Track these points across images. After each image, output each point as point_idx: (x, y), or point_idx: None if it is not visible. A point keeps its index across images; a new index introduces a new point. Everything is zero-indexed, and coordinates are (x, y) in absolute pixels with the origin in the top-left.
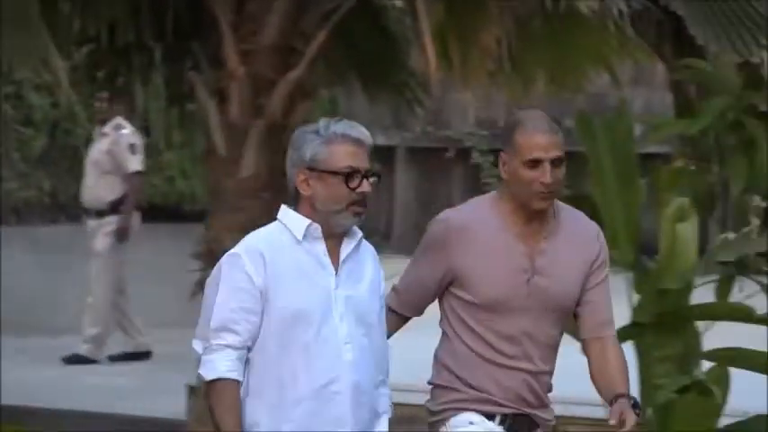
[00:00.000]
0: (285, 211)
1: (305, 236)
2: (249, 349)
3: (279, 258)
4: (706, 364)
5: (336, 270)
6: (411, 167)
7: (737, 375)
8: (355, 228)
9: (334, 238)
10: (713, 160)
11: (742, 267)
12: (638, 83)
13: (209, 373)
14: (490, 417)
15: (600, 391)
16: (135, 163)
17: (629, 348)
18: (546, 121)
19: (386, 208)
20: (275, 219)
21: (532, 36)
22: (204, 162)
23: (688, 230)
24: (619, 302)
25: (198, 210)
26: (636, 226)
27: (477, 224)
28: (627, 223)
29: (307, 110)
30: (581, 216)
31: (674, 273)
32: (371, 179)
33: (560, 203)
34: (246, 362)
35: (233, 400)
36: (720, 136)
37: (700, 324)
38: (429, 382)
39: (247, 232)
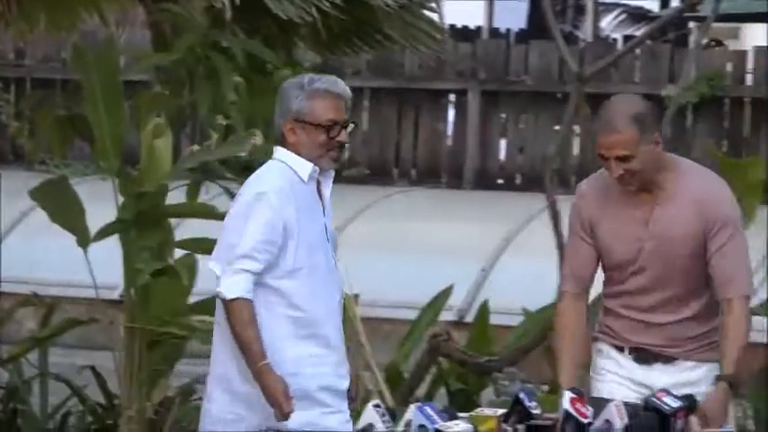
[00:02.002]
0: (285, 153)
1: (310, 176)
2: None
3: (297, 195)
4: (179, 252)
5: (323, 205)
6: None
7: (203, 260)
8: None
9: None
10: (185, 87)
11: (208, 173)
12: (123, 22)
13: (229, 293)
14: (620, 348)
15: None
16: None
17: (115, 241)
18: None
19: None
20: None
21: None
22: None
23: (163, 144)
24: (107, 204)
25: None
26: (121, 141)
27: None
28: (113, 139)
29: None
30: (703, 182)
31: (152, 178)
32: (348, 128)
33: (688, 170)
34: (266, 286)
35: (251, 316)
36: (190, 67)
37: (173, 220)
38: None
39: None
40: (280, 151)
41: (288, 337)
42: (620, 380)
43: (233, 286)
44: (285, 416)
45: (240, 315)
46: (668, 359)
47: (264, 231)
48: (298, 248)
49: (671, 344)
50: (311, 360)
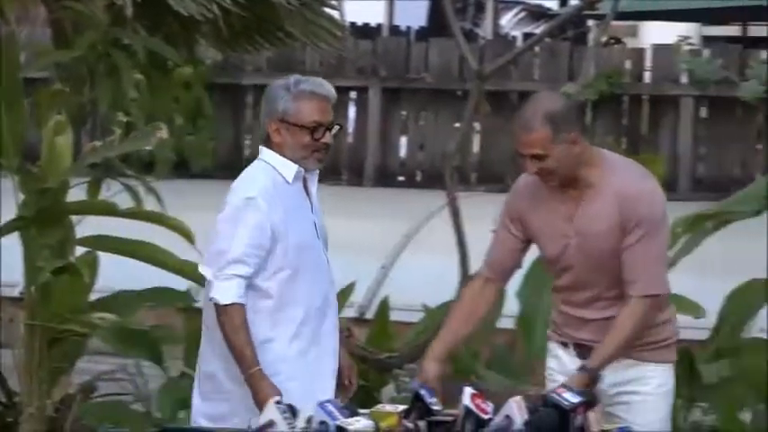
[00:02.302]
0: (269, 154)
1: (295, 177)
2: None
3: (283, 196)
4: (80, 250)
5: (311, 203)
6: None
7: (105, 257)
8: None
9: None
10: (85, 84)
11: (108, 170)
12: (24, 20)
13: (223, 299)
14: (564, 344)
15: None
16: None
17: (16, 239)
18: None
19: None
20: None
21: None
22: None
23: (64, 141)
24: (7, 201)
25: None
26: (21, 138)
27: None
28: (13, 136)
29: None
30: (627, 178)
31: (53, 175)
32: (333, 130)
33: (614, 165)
34: (254, 288)
35: (243, 321)
36: (91, 64)
37: (74, 217)
38: None
39: None
40: (265, 152)
41: (274, 337)
42: (559, 377)
43: (226, 292)
44: None
45: (232, 320)
46: None
47: (253, 236)
48: (287, 250)
49: (596, 337)
50: (296, 359)
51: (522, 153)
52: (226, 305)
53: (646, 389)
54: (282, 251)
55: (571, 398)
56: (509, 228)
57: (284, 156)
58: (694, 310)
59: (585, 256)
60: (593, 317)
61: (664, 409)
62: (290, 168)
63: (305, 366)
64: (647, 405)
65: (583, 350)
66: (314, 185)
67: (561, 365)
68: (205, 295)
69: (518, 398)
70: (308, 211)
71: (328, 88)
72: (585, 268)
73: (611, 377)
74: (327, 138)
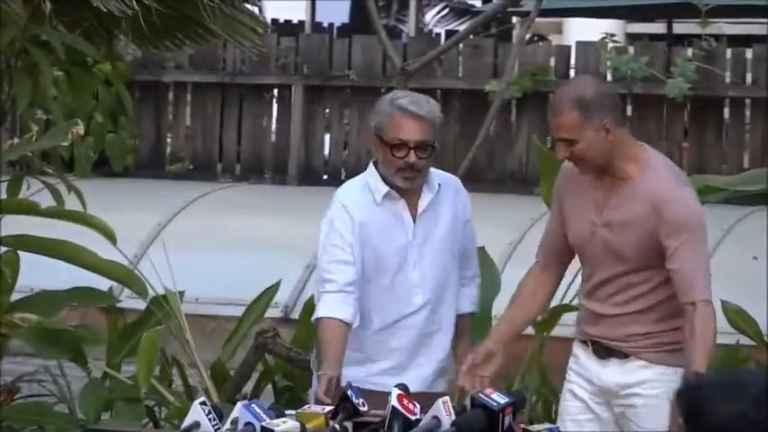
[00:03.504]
0: (371, 170)
1: (384, 198)
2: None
3: (364, 217)
4: (1, 249)
5: (414, 221)
6: None
7: (25, 257)
8: (436, 177)
9: (412, 192)
10: (4, 81)
11: (29, 169)
12: None
13: (315, 316)
14: (585, 342)
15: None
16: None
17: None
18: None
19: None
20: None
21: None
22: None
23: None
24: None
25: None
26: None
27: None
28: None
29: None
30: (666, 180)
31: None
32: (424, 151)
33: (653, 163)
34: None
35: (330, 335)
36: (10, 61)
37: None
38: None
39: None
40: (370, 166)
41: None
42: (575, 378)
43: (317, 309)
44: None
45: (320, 334)
46: (622, 355)
47: (332, 253)
48: (359, 266)
49: (620, 338)
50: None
51: (554, 136)
52: (317, 320)
53: (654, 392)
54: (359, 267)
55: (499, 399)
56: (554, 210)
57: (378, 171)
58: None
59: (609, 249)
60: (607, 312)
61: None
62: (380, 189)
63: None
64: (656, 409)
65: (597, 347)
66: (425, 201)
67: (579, 365)
68: None
69: (446, 398)
70: (401, 231)
71: (424, 106)
72: (608, 261)
73: (621, 378)
74: (411, 157)
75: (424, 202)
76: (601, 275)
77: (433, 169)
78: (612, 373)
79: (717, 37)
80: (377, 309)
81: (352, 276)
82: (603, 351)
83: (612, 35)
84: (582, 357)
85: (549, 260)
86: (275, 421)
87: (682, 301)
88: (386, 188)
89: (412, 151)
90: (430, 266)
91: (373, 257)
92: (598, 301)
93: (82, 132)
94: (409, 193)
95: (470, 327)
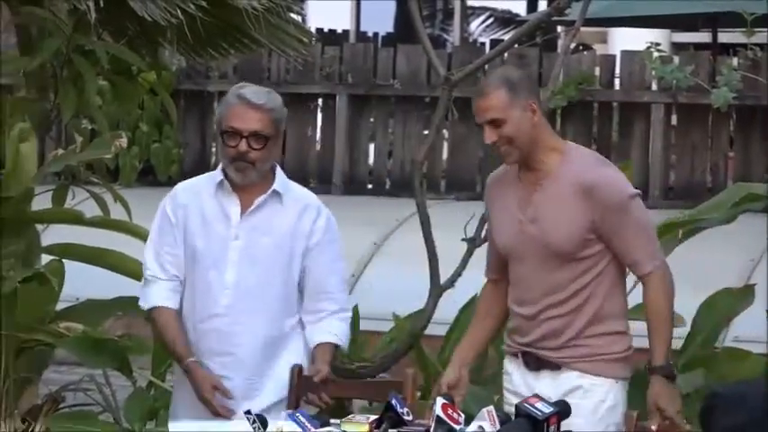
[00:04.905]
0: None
1: (217, 188)
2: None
3: (192, 204)
4: (45, 258)
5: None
6: None
7: (70, 266)
8: (278, 183)
9: (249, 191)
10: (50, 91)
11: (74, 178)
12: None
13: (145, 303)
14: (515, 355)
15: None
16: None
17: None
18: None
19: None
20: None
21: None
22: None
23: (28, 149)
24: None
25: None
26: None
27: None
28: None
29: None
30: (590, 165)
31: (17, 183)
32: (258, 142)
33: (573, 152)
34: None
35: (165, 322)
36: (56, 70)
37: (39, 225)
38: None
39: None
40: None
41: None
42: (511, 398)
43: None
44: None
45: (155, 324)
46: (554, 366)
47: (162, 236)
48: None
49: (553, 345)
50: None
51: (480, 121)
52: (150, 309)
53: (585, 403)
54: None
55: (544, 408)
56: (489, 223)
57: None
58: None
59: (539, 244)
60: (539, 315)
61: (601, 427)
62: (216, 178)
63: None
64: (586, 421)
65: (528, 358)
66: (257, 201)
67: (512, 384)
68: None
69: (491, 407)
70: (223, 227)
71: (262, 95)
72: (539, 258)
73: (551, 389)
74: (242, 146)
75: (256, 202)
76: (533, 276)
77: (296, 184)
78: (545, 387)
79: (762, 46)
80: (190, 305)
81: (181, 265)
82: (533, 361)
83: (657, 44)
84: (515, 374)
85: (498, 275)
86: (320, 430)
87: (637, 277)
88: (220, 176)
89: (244, 140)
90: (249, 271)
91: (190, 249)
92: (531, 304)
93: (125, 145)
94: (246, 191)
95: (326, 355)
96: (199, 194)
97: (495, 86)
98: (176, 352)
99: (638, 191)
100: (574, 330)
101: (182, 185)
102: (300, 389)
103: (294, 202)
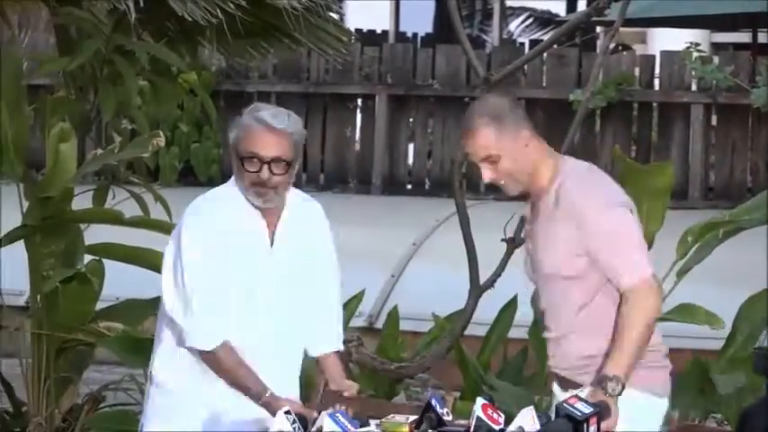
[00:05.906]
0: (231, 181)
1: (239, 207)
2: None
3: (219, 226)
4: (87, 257)
5: (272, 242)
6: None
7: (110, 265)
8: (293, 201)
9: (271, 211)
10: (90, 91)
11: (114, 178)
12: (25, 25)
13: (210, 343)
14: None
15: None
16: None
17: (20, 247)
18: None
19: None
20: None
21: None
22: None
23: (68, 149)
24: (12, 209)
25: None
26: (24, 145)
27: None
28: (16, 143)
29: None
30: (572, 186)
31: (57, 183)
32: (279, 168)
33: (567, 172)
34: None
35: (237, 359)
36: (95, 71)
37: (83, 225)
38: None
39: None
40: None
41: None
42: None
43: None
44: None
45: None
46: (575, 386)
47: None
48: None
49: (566, 364)
50: None
51: (476, 161)
52: None
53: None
54: None
55: (584, 408)
56: None
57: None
58: (712, 320)
59: (537, 268)
60: (550, 335)
61: None
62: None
63: None
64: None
65: (563, 383)
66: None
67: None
68: None
69: (531, 408)
70: (256, 247)
71: (282, 119)
72: (540, 282)
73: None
74: (264, 173)
75: (282, 219)
76: (547, 300)
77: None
78: None
79: None
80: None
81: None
82: (561, 382)
83: (697, 44)
84: (558, 395)
85: None
86: (360, 430)
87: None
88: (241, 196)
89: (265, 166)
90: (288, 287)
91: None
92: (552, 329)
93: (163, 144)
94: (268, 212)
95: (340, 367)
96: (222, 213)
97: (481, 124)
98: (253, 388)
99: (625, 202)
100: (577, 350)
101: (203, 208)
102: (327, 405)
103: (298, 204)
